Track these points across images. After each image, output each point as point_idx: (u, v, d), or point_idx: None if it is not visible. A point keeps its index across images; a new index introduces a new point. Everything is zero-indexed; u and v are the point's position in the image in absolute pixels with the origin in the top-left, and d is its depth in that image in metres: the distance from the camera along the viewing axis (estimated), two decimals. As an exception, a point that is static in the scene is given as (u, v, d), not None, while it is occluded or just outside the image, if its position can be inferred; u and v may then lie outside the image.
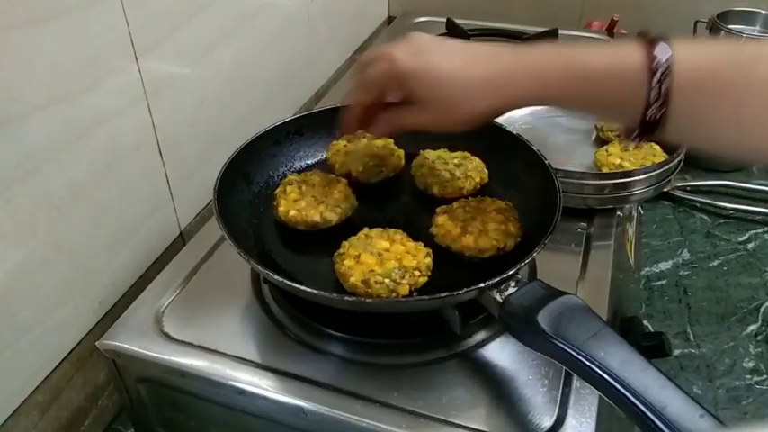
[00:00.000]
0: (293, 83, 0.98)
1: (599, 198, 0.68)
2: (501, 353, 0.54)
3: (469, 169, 0.65)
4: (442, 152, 0.67)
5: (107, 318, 0.64)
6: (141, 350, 0.54)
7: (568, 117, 0.84)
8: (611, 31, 1.11)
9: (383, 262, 0.53)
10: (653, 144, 0.73)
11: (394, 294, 0.51)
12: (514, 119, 0.83)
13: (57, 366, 0.60)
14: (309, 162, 0.70)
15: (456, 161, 0.66)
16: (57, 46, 0.53)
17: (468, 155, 0.67)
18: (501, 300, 0.47)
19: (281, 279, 0.49)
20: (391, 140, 0.68)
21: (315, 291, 0.48)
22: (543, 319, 0.44)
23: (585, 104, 0.47)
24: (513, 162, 0.65)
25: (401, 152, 0.68)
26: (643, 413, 0.39)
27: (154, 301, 0.59)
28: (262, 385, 0.51)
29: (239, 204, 0.62)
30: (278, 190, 0.62)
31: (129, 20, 0.60)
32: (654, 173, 0.68)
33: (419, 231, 0.58)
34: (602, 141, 0.78)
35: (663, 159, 0.70)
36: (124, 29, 0.60)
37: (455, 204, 0.60)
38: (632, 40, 0.42)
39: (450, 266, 0.57)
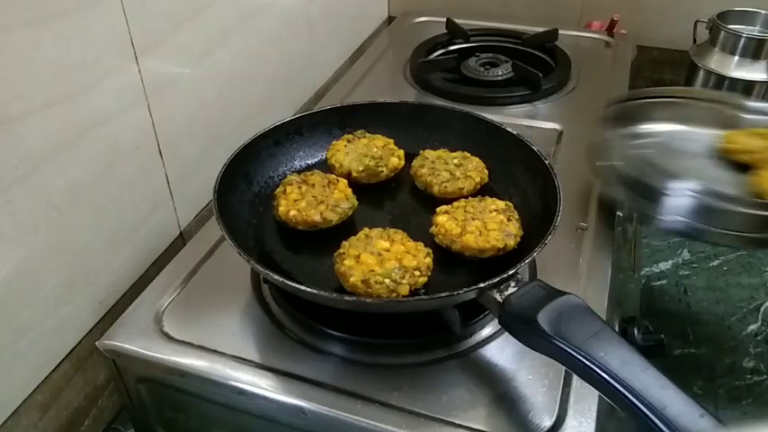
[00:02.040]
0: (293, 83, 0.98)
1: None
2: (501, 353, 0.54)
3: (469, 169, 0.65)
4: (442, 152, 0.67)
5: (107, 318, 0.64)
6: (141, 350, 0.54)
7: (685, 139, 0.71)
8: (611, 31, 1.11)
9: (383, 262, 0.53)
10: None
11: (394, 294, 0.51)
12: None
13: (57, 366, 0.60)
14: (309, 162, 0.70)
15: (456, 161, 0.66)
16: (57, 46, 0.53)
17: (468, 155, 0.67)
18: (501, 300, 0.47)
19: (281, 279, 0.49)
20: (391, 141, 0.69)
21: (315, 291, 0.48)
22: (543, 319, 0.44)
23: None
24: (513, 162, 0.65)
25: (401, 152, 0.68)
26: (643, 413, 0.39)
27: (154, 301, 0.59)
28: (262, 385, 0.51)
29: (239, 204, 0.62)
30: (278, 190, 0.62)
31: (129, 20, 0.60)
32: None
33: (419, 231, 0.58)
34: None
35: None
36: (124, 29, 0.60)
37: (455, 204, 0.60)
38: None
39: (451, 266, 0.57)
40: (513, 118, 0.86)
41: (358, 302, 0.51)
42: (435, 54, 1.06)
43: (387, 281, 0.51)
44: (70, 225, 0.58)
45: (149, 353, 0.54)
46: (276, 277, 0.49)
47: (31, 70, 0.51)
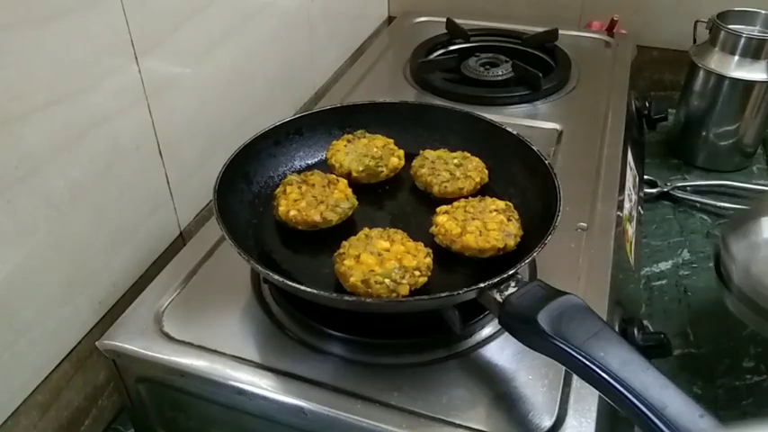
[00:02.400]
0: (293, 83, 0.98)
1: None
2: (501, 353, 0.54)
3: (469, 169, 0.65)
4: (442, 152, 0.67)
5: (107, 318, 0.64)
6: (141, 350, 0.54)
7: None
8: (611, 31, 1.11)
9: (383, 262, 0.53)
10: None
11: (394, 294, 0.51)
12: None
13: (57, 366, 0.60)
14: (309, 162, 0.70)
15: (456, 161, 0.66)
16: (57, 46, 0.53)
17: (468, 155, 0.67)
18: (501, 300, 0.47)
19: (281, 279, 0.49)
20: (391, 141, 0.69)
21: (315, 291, 0.48)
22: (543, 319, 0.44)
23: None
24: (513, 162, 0.65)
25: (401, 152, 0.68)
26: (643, 413, 0.39)
27: (154, 301, 0.59)
28: (262, 385, 0.51)
29: (239, 204, 0.62)
30: (278, 190, 0.62)
31: (129, 20, 0.60)
32: None
33: (419, 231, 0.58)
34: None
35: None
36: (124, 29, 0.60)
37: (455, 204, 0.60)
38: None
39: (451, 266, 0.57)
40: (513, 118, 0.86)
41: (358, 302, 0.51)
42: (435, 54, 1.06)
43: (387, 281, 0.51)
44: (70, 225, 0.58)
45: (149, 353, 0.54)
46: (276, 277, 0.49)
47: (31, 70, 0.51)
